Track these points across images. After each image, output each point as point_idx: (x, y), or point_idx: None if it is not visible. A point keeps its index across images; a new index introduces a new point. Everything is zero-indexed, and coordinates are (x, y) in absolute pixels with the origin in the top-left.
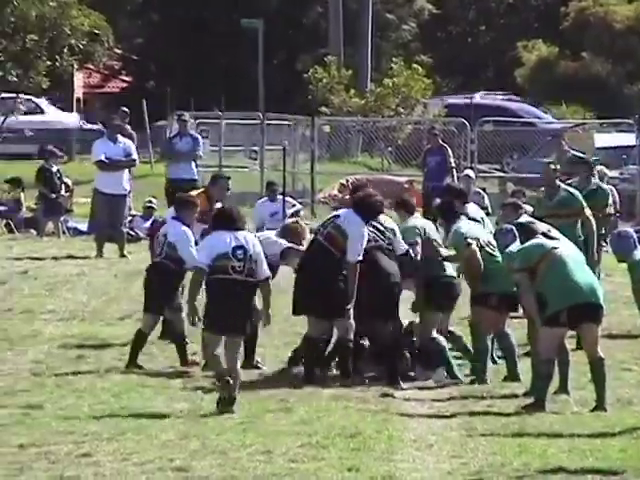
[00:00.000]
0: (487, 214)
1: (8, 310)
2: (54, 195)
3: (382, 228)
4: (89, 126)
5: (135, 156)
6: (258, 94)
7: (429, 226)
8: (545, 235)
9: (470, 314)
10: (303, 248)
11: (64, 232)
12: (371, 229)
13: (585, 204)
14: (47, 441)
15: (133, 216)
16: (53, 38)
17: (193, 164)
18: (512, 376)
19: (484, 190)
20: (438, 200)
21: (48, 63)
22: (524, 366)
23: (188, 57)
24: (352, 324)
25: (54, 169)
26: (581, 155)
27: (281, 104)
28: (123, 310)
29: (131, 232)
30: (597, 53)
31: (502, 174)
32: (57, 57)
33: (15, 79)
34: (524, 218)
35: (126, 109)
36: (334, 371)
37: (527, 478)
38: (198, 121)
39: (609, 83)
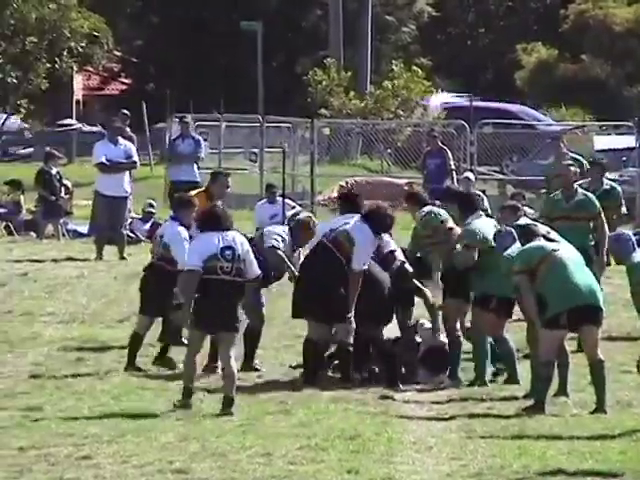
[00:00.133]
0: (486, 216)
1: (8, 312)
2: (54, 197)
3: None
4: (89, 128)
5: (136, 158)
6: (257, 96)
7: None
8: (545, 237)
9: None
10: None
11: (64, 234)
12: None
13: (600, 209)
14: (47, 443)
15: (133, 218)
16: (53, 40)
17: (195, 166)
18: (512, 380)
19: (483, 192)
20: (438, 203)
21: (48, 65)
22: (523, 369)
23: (187, 58)
24: (352, 328)
25: (54, 171)
26: (579, 157)
27: (280, 106)
28: (123, 312)
29: (131, 234)
30: (596, 55)
31: (501, 176)
32: (57, 59)
33: (15, 81)
34: (523, 220)
35: (126, 112)
36: (330, 373)
37: None
38: (197, 123)
39: (608, 85)
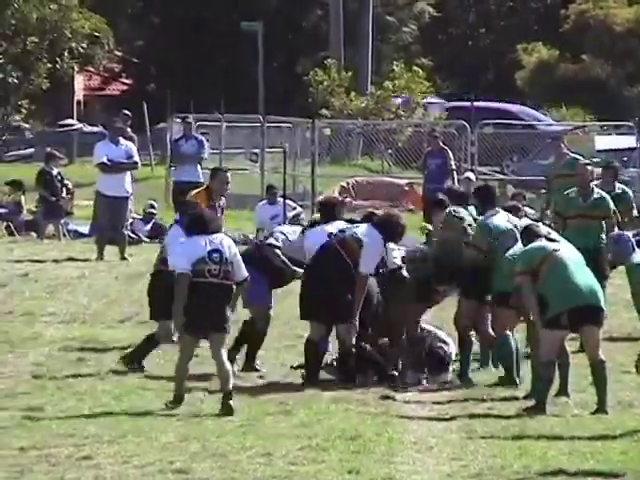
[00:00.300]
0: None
1: (9, 313)
2: (54, 198)
3: None
4: (90, 129)
5: (137, 158)
6: (258, 96)
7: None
8: (546, 238)
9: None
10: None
11: (65, 235)
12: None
13: (614, 209)
14: (48, 444)
15: (134, 219)
16: (54, 40)
17: (198, 167)
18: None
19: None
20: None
21: (48, 65)
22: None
23: (188, 57)
24: (354, 329)
25: (54, 172)
26: (580, 157)
27: (281, 106)
28: (124, 313)
29: (132, 235)
30: (597, 55)
31: (502, 176)
32: (57, 60)
33: (15, 81)
34: (524, 220)
35: (127, 112)
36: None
37: None
38: (198, 124)
39: (609, 85)
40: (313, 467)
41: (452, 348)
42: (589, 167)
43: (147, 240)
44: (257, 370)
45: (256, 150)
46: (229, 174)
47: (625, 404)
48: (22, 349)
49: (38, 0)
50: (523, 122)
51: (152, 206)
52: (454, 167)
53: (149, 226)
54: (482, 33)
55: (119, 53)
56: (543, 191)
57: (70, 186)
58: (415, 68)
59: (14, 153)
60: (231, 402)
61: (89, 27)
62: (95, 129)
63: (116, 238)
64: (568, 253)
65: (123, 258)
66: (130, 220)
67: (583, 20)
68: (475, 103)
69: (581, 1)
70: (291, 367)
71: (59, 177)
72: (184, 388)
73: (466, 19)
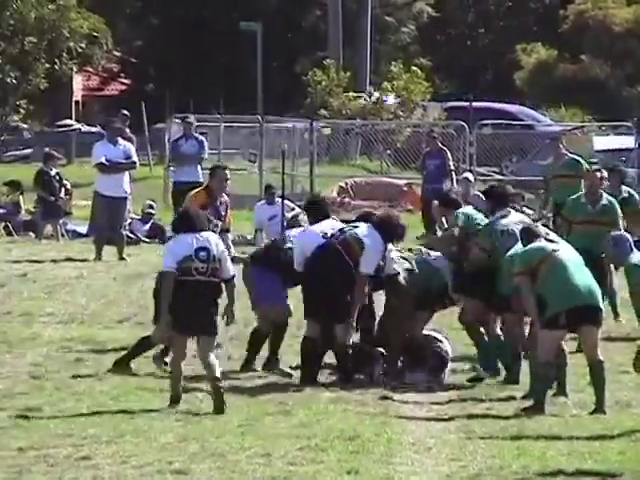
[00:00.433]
0: (486, 217)
1: (7, 313)
2: (53, 198)
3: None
4: (88, 129)
5: (135, 158)
6: (257, 96)
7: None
8: (545, 238)
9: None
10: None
11: (63, 235)
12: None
13: (622, 215)
14: (46, 444)
15: (132, 219)
16: (52, 41)
17: (198, 167)
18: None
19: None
20: (437, 203)
21: (47, 66)
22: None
23: (188, 57)
24: (352, 330)
25: (53, 172)
26: (578, 158)
27: (280, 106)
28: (122, 313)
29: (130, 235)
30: (596, 56)
31: (501, 177)
32: (56, 60)
33: (14, 81)
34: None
35: (126, 112)
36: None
37: None
38: (197, 124)
39: (608, 86)
40: (312, 467)
41: (447, 346)
42: (598, 173)
43: (146, 240)
44: (255, 370)
45: (255, 151)
46: (228, 171)
47: (623, 404)
48: (20, 349)
49: (36, 0)
50: (522, 122)
51: (151, 206)
52: (453, 168)
53: (147, 226)
54: (481, 33)
55: (117, 53)
56: (542, 191)
57: (68, 186)
58: (414, 68)
59: (12, 153)
60: (224, 398)
61: (87, 27)
62: (93, 129)
63: (114, 238)
64: (567, 253)
65: (121, 258)
66: (128, 220)
67: (582, 20)
68: (474, 103)
69: (580, 1)
70: (290, 367)
71: (57, 177)
72: (180, 388)
73: (465, 19)
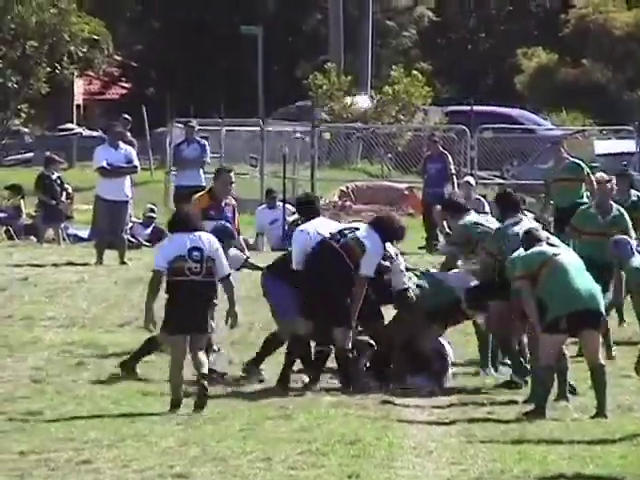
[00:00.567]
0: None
1: (8, 317)
2: (54, 202)
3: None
4: (89, 133)
5: (136, 163)
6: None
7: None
8: (547, 242)
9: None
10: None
11: (64, 239)
12: None
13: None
14: (47, 448)
15: (133, 223)
16: (53, 45)
17: (200, 171)
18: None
19: (484, 197)
20: (438, 207)
21: (48, 70)
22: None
23: (189, 60)
24: (351, 333)
25: (54, 176)
26: (579, 162)
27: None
28: (123, 317)
29: (132, 239)
30: (597, 60)
31: (502, 181)
32: (57, 64)
33: (15, 85)
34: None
35: (127, 116)
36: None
37: None
38: (198, 128)
39: (609, 90)
40: (313, 472)
41: (449, 350)
42: (609, 184)
43: (147, 244)
44: (260, 374)
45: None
46: (233, 174)
47: (624, 408)
48: (21, 353)
49: (37, 4)
50: (523, 126)
51: (152, 210)
52: (454, 171)
53: (149, 230)
54: (482, 37)
55: (118, 57)
56: (542, 195)
57: (70, 190)
58: (414, 72)
59: (13, 157)
60: (206, 396)
61: (88, 31)
62: (95, 133)
63: (116, 242)
64: (568, 258)
65: (123, 262)
66: (130, 224)
67: (583, 24)
68: (475, 107)
69: (581, 5)
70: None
71: (59, 181)
72: (181, 392)
73: (466, 24)
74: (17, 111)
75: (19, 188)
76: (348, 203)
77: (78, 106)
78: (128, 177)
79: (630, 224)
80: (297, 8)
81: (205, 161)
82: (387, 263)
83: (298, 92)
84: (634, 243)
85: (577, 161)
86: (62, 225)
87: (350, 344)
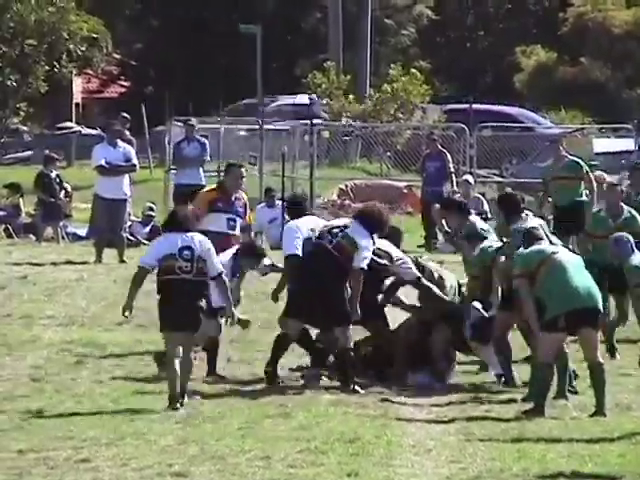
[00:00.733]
0: (486, 219)
1: (7, 315)
2: (52, 199)
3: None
4: (88, 131)
5: (135, 161)
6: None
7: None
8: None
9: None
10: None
11: (63, 237)
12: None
13: None
14: (46, 446)
15: (132, 222)
16: (52, 43)
17: (200, 169)
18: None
19: (483, 195)
20: (437, 205)
21: (47, 68)
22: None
23: (188, 58)
24: (351, 332)
25: (53, 174)
26: (578, 160)
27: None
28: (122, 316)
29: (131, 237)
30: (596, 58)
31: (501, 179)
32: (56, 63)
33: (14, 84)
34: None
35: (126, 115)
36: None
37: None
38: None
39: (608, 88)
40: (312, 470)
41: (454, 351)
42: (618, 187)
43: (146, 243)
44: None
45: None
46: (244, 169)
47: (623, 407)
48: (20, 352)
49: (36, 2)
50: (522, 125)
51: (151, 209)
52: (453, 170)
53: (148, 229)
54: (481, 36)
55: (117, 56)
56: (541, 194)
57: (69, 189)
58: (413, 71)
59: (12, 156)
60: (183, 398)
61: (87, 29)
62: (93, 132)
63: (115, 241)
64: (567, 256)
65: (122, 261)
66: (129, 223)
67: (582, 23)
68: (474, 106)
69: (580, 4)
70: (290, 369)
71: (58, 180)
72: (177, 387)
73: (464, 22)
74: (16, 109)
75: (18, 187)
76: (347, 202)
77: (77, 104)
78: (127, 175)
79: None
80: (296, 6)
81: (205, 160)
82: (384, 261)
83: (297, 90)
84: (633, 241)
85: (576, 159)
86: (61, 224)
87: (351, 344)
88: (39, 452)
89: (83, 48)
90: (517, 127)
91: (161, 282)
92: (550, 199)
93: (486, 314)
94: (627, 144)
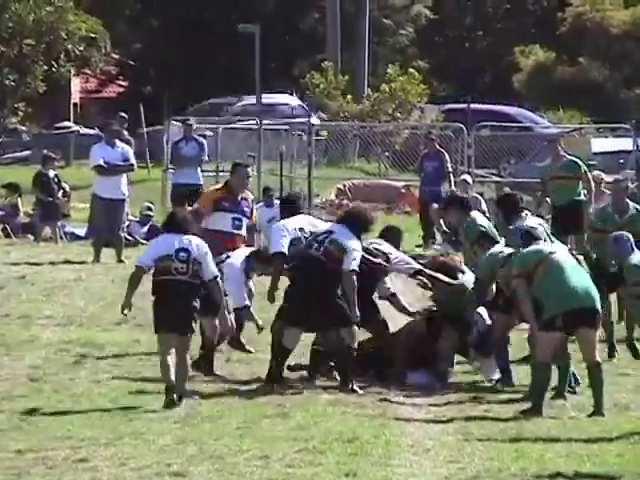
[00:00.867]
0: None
1: (5, 315)
2: (50, 198)
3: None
4: (86, 131)
5: (133, 161)
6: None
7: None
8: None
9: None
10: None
11: (61, 237)
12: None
13: None
14: (44, 446)
15: (130, 221)
16: (50, 43)
17: (198, 169)
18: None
19: (481, 195)
20: (435, 205)
21: (45, 68)
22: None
23: (187, 57)
24: (356, 332)
25: (51, 174)
26: (576, 160)
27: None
28: (120, 315)
29: (129, 237)
30: (594, 58)
31: (499, 179)
32: (54, 62)
33: (12, 84)
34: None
35: (124, 114)
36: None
37: None
38: (195, 126)
39: (606, 88)
40: (310, 470)
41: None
42: (622, 184)
43: (144, 242)
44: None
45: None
46: (250, 169)
47: (621, 406)
48: (19, 352)
49: (34, 2)
50: (520, 124)
51: (149, 208)
52: (451, 170)
53: (146, 228)
54: (479, 35)
55: (116, 56)
56: (539, 193)
57: (67, 188)
58: (411, 70)
59: (11, 155)
60: (175, 400)
61: (85, 29)
62: (92, 132)
63: (113, 241)
64: (565, 256)
65: (120, 261)
66: (127, 222)
67: (580, 23)
68: (472, 105)
69: (578, 4)
70: (288, 367)
71: (56, 179)
72: (171, 376)
73: (463, 22)
74: (14, 109)
75: (16, 186)
76: (345, 201)
77: (75, 104)
78: (125, 175)
79: None
80: (295, 6)
81: (203, 159)
82: (379, 260)
83: (295, 90)
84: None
85: (574, 159)
86: (59, 223)
87: (356, 344)
88: (38, 452)
89: (81, 48)
90: (515, 127)
91: (156, 282)
92: (548, 199)
93: (489, 321)
94: (625, 144)
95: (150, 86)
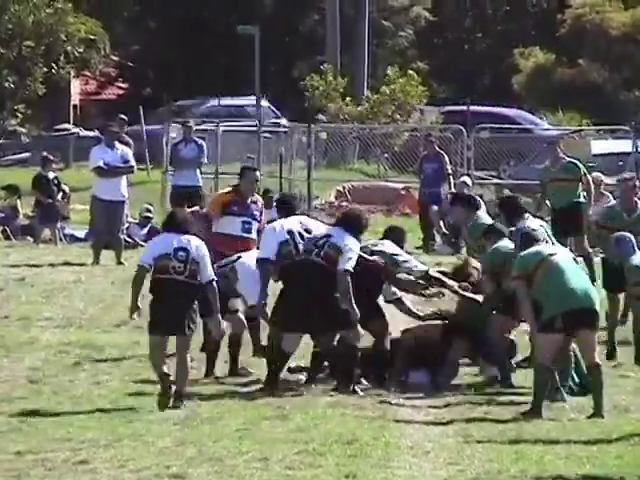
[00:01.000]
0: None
1: (5, 317)
2: (50, 200)
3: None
4: (86, 133)
5: (133, 163)
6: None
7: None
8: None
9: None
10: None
11: (61, 239)
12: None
13: None
14: (44, 448)
15: (130, 223)
16: (49, 45)
17: (197, 171)
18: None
19: (481, 197)
20: (435, 207)
21: (45, 70)
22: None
23: (186, 59)
24: (360, 333)
25: (50, 176)
26: (576, 162)
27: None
28: (120, 317)
29: (128, 239)
30: (594, 60)
31: (499, 181)
32: (53, 64)
33: (12, 86)
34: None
35: (124, 117)
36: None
37: None
38: (195, 127)
39: (605, 90)
40: (310, 472)
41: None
42: (630, 182)
43: (143, 244)
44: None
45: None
46: (258, 173)
47: (621, 408)
48: (18, 354)
49: (34, 4)
50: (520, 126)
51: (148, 210)
52: (450, 171)
53: (145, 230)
54: (478, 37)
55: (115, 57)
56: (538, 195)
57: (66, 190)
58: (410, 72)
59: (10, 157)
60: (178, 402)
61: (85, 31)
62: (91, 133)
63: (112, 242)
64: (563, 257)
65: (119, 263)
66: (126, 224)
67: (580, 24)
68: (471, 107)
69: (577, 5)
70: (288, 369)
71: (55, 181)
72: (164, 368)
73: (462, 23)
74: (14, 111)
75: (16, 188)
76: (344, 203)
77: (75, 106)
78: (124, 177)
79: None
80: (294, 8)
81: (202, 161)
82: (376, 257)
83: (295, 92)
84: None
85: (574, 161)
86: (59, 225)
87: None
88: (37, 454)
89: (81, 50)
90: (515, 129)
91: (154, 280)
92: (548, 201)
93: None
94: (625, 146)
95: (150, 88)
